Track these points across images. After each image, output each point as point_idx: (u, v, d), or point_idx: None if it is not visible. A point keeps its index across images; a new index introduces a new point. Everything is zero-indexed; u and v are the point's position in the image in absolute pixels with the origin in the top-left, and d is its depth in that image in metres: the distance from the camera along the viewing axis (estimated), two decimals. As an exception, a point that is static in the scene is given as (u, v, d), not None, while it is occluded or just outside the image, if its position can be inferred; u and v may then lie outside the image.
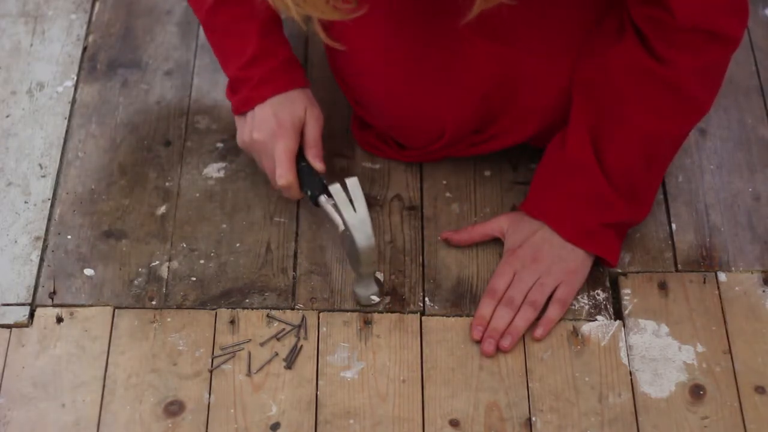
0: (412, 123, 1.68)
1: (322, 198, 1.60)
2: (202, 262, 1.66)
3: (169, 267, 1.66)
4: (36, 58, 1.88)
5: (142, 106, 1.82)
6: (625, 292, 1.63)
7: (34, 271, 1.65)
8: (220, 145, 1.78)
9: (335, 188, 1.56)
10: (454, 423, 1.52)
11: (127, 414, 1.52)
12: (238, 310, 1.61)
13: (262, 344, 1.58)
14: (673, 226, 1.70)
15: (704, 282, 1.64)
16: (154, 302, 1.62)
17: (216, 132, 1.79)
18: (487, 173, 1.75)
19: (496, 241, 1.67)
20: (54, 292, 1.63)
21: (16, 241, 1.68)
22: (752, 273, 1.65)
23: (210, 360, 1.57)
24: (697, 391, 1.54)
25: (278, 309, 1.62)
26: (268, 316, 1.61)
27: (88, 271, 1.65)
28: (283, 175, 1.61)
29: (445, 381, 1.55)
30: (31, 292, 1.63)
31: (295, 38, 1.83)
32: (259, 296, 1.63)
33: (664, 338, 1.59)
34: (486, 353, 1.56)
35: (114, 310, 1.61)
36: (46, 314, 1.61)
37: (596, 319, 1.61)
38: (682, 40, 1.53)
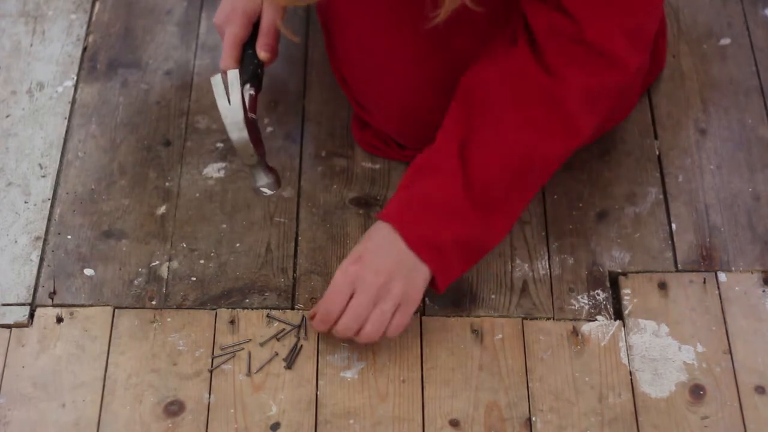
0: (413, 123, 1.68)
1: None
2: (202, 262, 1.66)
3: (169, 267, 1.66)
4: (36, 58, 1.88)
5: (142, 106, 1.82)
6: (625, 292, 1.63)
7: (34, 271, 1.65)
8: (220, 145, 1.78)
9: (216, 79, 1.58)
10: (454, 423, 1.52)
11: (127, 414, 1.52)
12: (238, 310, 1.61)
13: (262, 344, 1.58)
14: (673, 226, 1.69)
15: (704, 282, 1.64)
16: (154, 302, 1.62)
17: (216, 132, 1.79)
18: (487, 173, 1.75)
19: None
20: (54, 292, 1.63)
21: (16, 241, 1.68)
22: (752, 273, 1.65)
23: (210, 360, 1.57)
24: (697, 391, 1.54)
25: (278, 309, 1.62)
26: (268, 316, 1.61)
27: (88, 271, 1.65)
28: (223, 59, 1.63)
29: (445, 381, 1.55)
30: (31, 292, 1.63)
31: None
32: (259, 296, 1.63)
33: (664, 338, 1.59)
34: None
35: (114, 310, 1.61)
36: (46, 314, 1.61)
37: (596, 319, 1.61)
38: (578, 54, 1.50)
